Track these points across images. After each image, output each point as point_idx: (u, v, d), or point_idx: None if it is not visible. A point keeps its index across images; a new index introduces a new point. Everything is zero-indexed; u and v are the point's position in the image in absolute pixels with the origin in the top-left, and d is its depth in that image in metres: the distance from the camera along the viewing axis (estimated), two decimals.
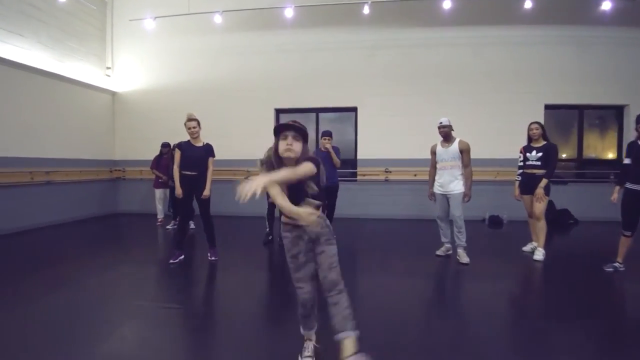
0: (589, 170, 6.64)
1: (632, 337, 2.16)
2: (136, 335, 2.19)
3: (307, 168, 1.51)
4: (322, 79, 6.78)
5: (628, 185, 3.27)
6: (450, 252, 3.96)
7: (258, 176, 1.36)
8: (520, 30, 6.37)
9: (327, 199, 3.96)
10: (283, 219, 1.72)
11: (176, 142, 4.07)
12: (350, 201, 6.43)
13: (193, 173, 3.66)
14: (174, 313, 2.51)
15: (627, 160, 3.32)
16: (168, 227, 5.77)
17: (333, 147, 4.62)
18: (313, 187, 1.60)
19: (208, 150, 3.76)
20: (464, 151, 3.71)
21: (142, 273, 3.51)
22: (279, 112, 7.13)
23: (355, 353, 1.49)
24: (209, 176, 3.73)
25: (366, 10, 6.14)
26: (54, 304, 2.65)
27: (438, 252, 3.98)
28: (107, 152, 7.38)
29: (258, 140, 6.55)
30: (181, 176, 3.67)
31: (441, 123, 3.79)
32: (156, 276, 3.47)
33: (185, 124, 3.67)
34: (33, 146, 5.67)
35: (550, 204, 5.28)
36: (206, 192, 3.69)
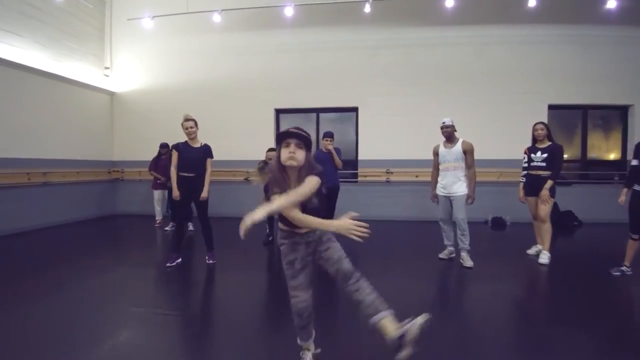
0: (593, 171, 6.56)
1: None
2: (128, 343, 2.12)
3: (311, 185, 1.47)
4: (323, 79, 6.71)
5: (636, 187, 3.18)
6: (454, 255, 3.88)
7: (259, 208, 1.37)
8: (523, 29, 6.29)
9: (328, 200, 3.89)
10: (280, 225, 1.66)
11: (175, 142, 4.01)
12: (351, 202, 6.34)
13: (191, 175, 3.59)
14: (171, 320, 2.43)
15: (635, 162, 3.23)
16: (166, 228, 5.70)
17: (334, 149, 4.56)
18: (314, 202, 1.53)
19: (206, 151, 3.69)
20: (468, 152, 3.63)
21: (138, 277, 3.44)
22: (278, 112, 7.07)
23: (405, 326, 1.40)
24: (207, 178, 3.66)
25: (367, 8, 6.07)
26: (49, 308, 2.58)
27: (441, 255, 3.90)
28: (106, 152, 7.32)
29: (258, 141, 6.64)
30: (179, 178, 3.60)
31: (444, 123, 3.71)
32: (152, 280, 3.40)
33: (182, 125, 3.61)
34: (31, 147, 5.61)
35: (554, 206, 5.19)
36: (204, 194, 3.62)
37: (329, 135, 4.59)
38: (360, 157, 6.78)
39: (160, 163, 5.87)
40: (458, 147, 3.65)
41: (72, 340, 2.09)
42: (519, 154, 4.12)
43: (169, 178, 5.38)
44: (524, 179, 3.96)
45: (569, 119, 6.64)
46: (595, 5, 6.02)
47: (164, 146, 5.88)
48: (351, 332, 2.27)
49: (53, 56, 6.08)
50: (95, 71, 7.06)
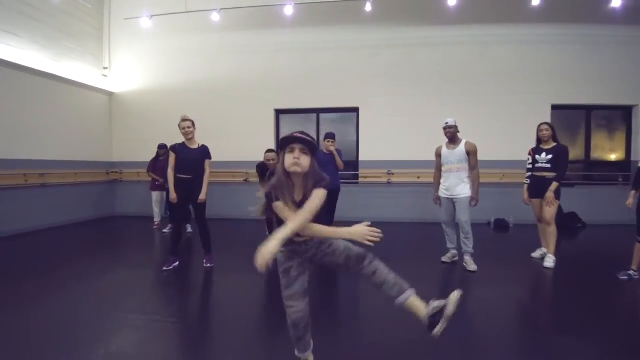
0: (597, 172, 6.48)
1: None
2: (122, 350, 2.05)
3: (320, 199, 1.42)
4: (323, 79, 6.63)
5: None
6: (457, 258, 3.80)
7: (269, 241, 1.29)
8: (526, 29, 6.22)
9: (328, 202, 3.81)
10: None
11: (173, 143, 3.94)
12: (352, 204, 6.28)
13: (188, 176, 3.52)
14: (169, 327, 2.36)
15: None
16: (165, 230, 5.64)
17: (336, 150, 4.50)
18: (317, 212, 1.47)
19: (204, 152, 3.62)
20: (471, 153, 3.55)
21: (133, 280, 3.36)
22: (278, 112, 7.00)
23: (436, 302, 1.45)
24: (206, 179, 3.59)
25: (368, 7, 6.00)
26: (49, 308, 2.53)
27: (444, 259, 3.82)
28: (104, 153, 7.25)
29: (257, 141, 6.58)
30: (176, 180, 3.53)
31: (447, 124, 3.63)
32: (150, 283, 3.32)
33: (179, 125, 3.53)
34: (28, 147, 5.55)
35: (559, 208, 5.12)
36: (202, 197, 3.54)
37: (330, 136, 4.52)
38: (361, 158, 6.71)
39: (158, 164, 5.80)
40: (461, 148, 3.58)
41: (73, 341, 2.10)
42: (522, 155, 4.05)
43: (167, 179, 5.34)
44: (528, 181, 3.88)
45: (572, 119, 6.56)
46: (599, 5, 5.94)
47: (162, 147, 5.81)
48: (351, 332, 2.23)
49: (51, 56, 6.02)
50: (93, 71, 7.00)
